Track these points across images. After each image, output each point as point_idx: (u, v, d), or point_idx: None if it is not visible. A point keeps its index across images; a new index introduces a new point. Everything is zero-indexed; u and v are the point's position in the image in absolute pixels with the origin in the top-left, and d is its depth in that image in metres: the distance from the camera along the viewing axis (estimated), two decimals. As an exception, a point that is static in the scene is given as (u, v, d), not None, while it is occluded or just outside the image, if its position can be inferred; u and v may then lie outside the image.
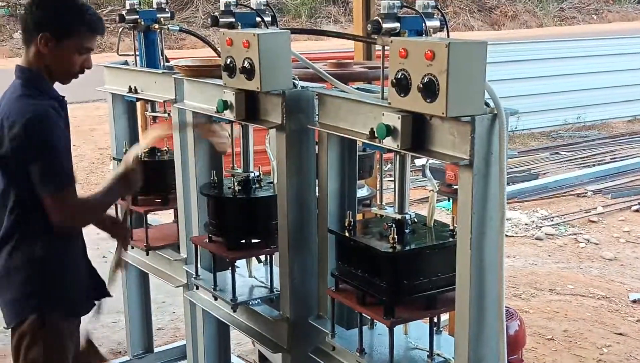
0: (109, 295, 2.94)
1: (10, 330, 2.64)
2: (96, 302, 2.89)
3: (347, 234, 2.57)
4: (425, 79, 2.11)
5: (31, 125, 2.42)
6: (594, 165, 9.92)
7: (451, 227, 2.45)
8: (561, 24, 28.79)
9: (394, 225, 2.46)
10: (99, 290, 2.89)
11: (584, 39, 14.31)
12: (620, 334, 5.33)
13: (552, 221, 7.78)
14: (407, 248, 2.43)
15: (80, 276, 2.76)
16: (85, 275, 2.81)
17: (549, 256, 6.88)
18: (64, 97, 2.72)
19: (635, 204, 8.27)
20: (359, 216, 3.07)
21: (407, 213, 2.52)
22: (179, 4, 22.35)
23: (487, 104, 2.15)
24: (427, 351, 2.53)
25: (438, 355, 2.52)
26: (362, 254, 2.49)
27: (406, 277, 2.39)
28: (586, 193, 8.81)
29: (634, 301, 5.87)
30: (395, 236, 2.39)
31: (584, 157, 10.41)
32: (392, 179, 2.57)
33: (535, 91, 11.72)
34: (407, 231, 2.49)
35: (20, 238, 2.57)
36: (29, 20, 2.59)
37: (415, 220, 2.55)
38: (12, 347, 2.63)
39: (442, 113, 2.09)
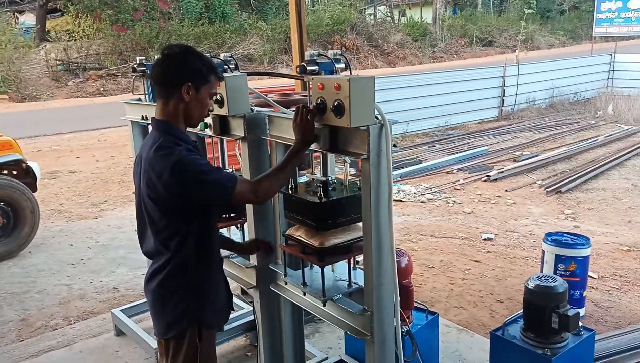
0: (233, 309, 2.50)
1: (163, 340, 2.25)
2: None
3: (290, 192, 2.54)
4: (336, 103, 2.11)
5: (177, 168, 1.99)
6: (457, 152, 10.05)
7: (359, 185, 2.40)
8: (434, 62, 29.10)
9: (321, 185, 2.44)
10: (231, 303, 2.43)
11: (448, 71, 14.49)
12: (476, 261, 5.43)
13: (431, 190, 7.88)
14: (330, 199, 2.40)
15: (222, 293, 2.34)
16: (225, 291, 2.37)
17: (430, 213, 6.96)
18: (195, 142, 2.31)
19: (484, 177, 8.43)
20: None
21: (329, 176, 2.50)
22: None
23: (377, 118, 2.16)
24: (347, 281, 2.54)
25: (355, 283, 2.53)
26: (301, 205, 2.47)
27: (329, 218, 2.39)
28: (452, 171, 8.94)
29: (484, 240, 5.99)
30: (322, 192, 2.39)
31: (450, 147, 10.55)
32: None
33: (418, 106, 11.78)
34: (330, 188, 2.47)
35: (172, 268, 2.15)
36: (168, 75, 2.09)
37: (335, 181, 2.54)
38: (169, 355, 2.22)
39: (348, 125, 2.09)
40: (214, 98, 2.44)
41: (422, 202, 7.39)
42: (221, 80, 2.20)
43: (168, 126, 2.12)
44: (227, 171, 2.26)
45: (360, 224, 2.33)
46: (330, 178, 2.49)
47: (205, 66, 2.12)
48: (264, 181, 2.19)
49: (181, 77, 2.07)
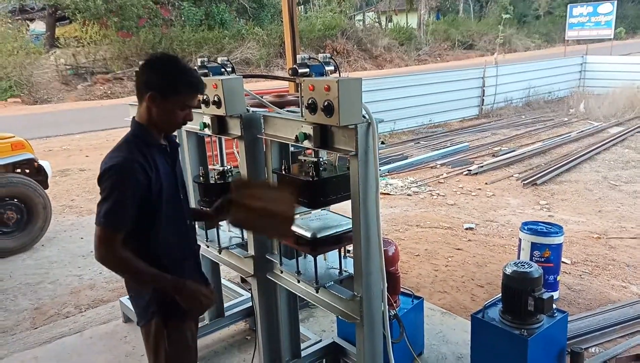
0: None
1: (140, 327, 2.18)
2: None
3: (283, 172, 2.55)
4: (326, 103, 2.10)
5: (107, 171, 1.89)
6: (440, 148, 10.04)
7: (348, 165, 2.34)
8: (419, 64, 29.11)
9: (313, 165, 2.44)
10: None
11: (432, 72, 14.46)
12: (459, 249, 5.44)
13: (416, 184, 7.87)
14: (320, 177, 2.41)
15: None
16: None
17: (416, 205, 6.96)
18: (169, 145, 2.12)
19: (465, 171, 8.44)
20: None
21: (321, 157, 2.48)
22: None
23: (364, 117, 2.15)
24: (338, 269, 2.54)
25: (345, 271, 2.54)
26: (294, 183, 2.46)
27: (321, 195, 2.39)
28: (436, 165, 8.93)
29: (466, 229, 6.01)
30: (314, 172, 2.40)
31: (434, 144, 10.54)
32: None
33: (404, 106, 11.76)
34: (321, 168, 2.46)
35: None
36: (140, 80, 2.00)
37: (326, 162, 2.53)
38: (144, 341, 2.17)
39: (337, 124, 2.09)
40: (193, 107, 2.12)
41: (408, 195, 7.38)
42: (198, 93, 2.04)
43: (137, 127, 2.04)
44: (123, 211, 1.90)
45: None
46: (321, 159, 2.49)
47: (178, 76, 1.97)
48: (121, 257, 1.92)
49: (149, 84, 1.97)
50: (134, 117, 2.08)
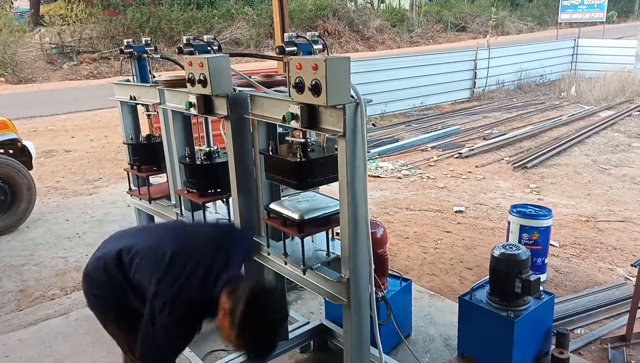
0: None
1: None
2: None
3: (271, 153, 2.53)
4: (313, 82, 2.07)
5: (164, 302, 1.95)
6: (431, 131, 10.02)
7: (335, 146, 2.30)
8: (411, 46, 28.92)
9: (300, 146, 2.42)
10: None
11: (424, 54, 14.37)
12: (448, 232, 5.46)
13: (407, 166, 7.85)
14: (308, 158, 2.40)
15: None
16: None
17: (406, 188, 6.96)
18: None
19: (456, 154, 8.44)
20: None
21: (308, 138, 2.47)
22: (170, 40, 21.44)
23: (353, 97, 2.12)
24: (326, 251, 2.54)
25: (332, 253, 2.53)
26: (282, 165, 2.46)
27: (308, 177, 2.38)
28: (427, 148, 8.91)
29: (456, 212, 6.02)
30: (301, 153, 2.38)
31: (425, 126, 10.51)
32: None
33: (395, 88, 11.70)
34: (309, 149, 2.45)
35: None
36: (234, 307, 1.82)
37: (314, 143, 2.52)
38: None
39: (325, 104, 2.06)
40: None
41: (399, 178, 7.37)
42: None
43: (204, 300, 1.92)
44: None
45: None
46: (309, 140, 2.47)
47: (259, 340, 1.84)
48: None
49: (234, 318, 1.81)
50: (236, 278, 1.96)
